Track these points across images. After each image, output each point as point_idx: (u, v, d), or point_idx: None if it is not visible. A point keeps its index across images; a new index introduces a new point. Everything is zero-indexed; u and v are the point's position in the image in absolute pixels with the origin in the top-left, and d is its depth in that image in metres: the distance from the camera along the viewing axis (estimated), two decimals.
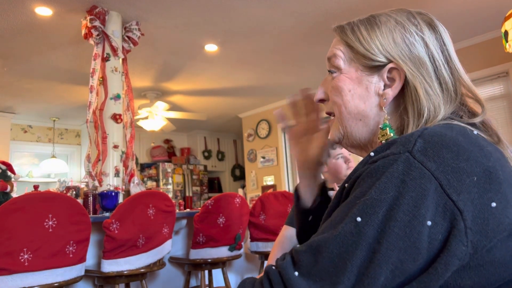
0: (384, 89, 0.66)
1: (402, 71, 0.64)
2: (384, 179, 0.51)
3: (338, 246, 0.50)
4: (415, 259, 0.48)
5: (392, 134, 0.63)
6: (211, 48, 4.22)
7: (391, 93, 0.65)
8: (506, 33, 2.97)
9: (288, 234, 2.10)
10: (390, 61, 0.65)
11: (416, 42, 0.65)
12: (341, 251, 0.50)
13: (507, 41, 2.99)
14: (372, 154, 0.56)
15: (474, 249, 0.48)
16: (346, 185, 0.58)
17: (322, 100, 0.75)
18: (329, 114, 0.75)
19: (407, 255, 0.48)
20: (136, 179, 3.29)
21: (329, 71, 0.72)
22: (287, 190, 6.11)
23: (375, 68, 0.66)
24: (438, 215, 0.48)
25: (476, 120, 0.62)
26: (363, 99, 0.67)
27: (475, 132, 0.58)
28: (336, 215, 0.55)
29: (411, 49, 0.65)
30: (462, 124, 0.60)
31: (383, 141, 0.63)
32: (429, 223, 0.48)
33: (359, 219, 0.50)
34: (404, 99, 0.65)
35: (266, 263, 3.11)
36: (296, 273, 0.52)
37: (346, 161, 2.05)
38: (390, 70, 0.66)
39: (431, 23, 0.67)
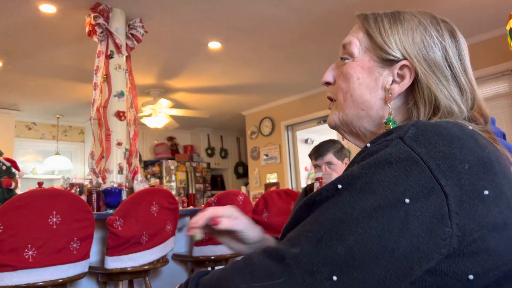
0: (391, 84, 0.67)
1: (414, 70, 0.65)
2: (371, 158, 0.53)
3: (319, 202, 0.55)
4: (385, 229, 0.48)
5: None
6: (214, 45, 4.21)
7: (397, 89, 0.66)
8: (511, 30, 2.95)
9: None
10: (404, 58, 0.66)
11: (435, 46, 0.66)
12: (322, 206, 0.54)
13: None
14: (368, 145, 0.58)
15: (462, 231, 0.49)
16: None
17: (328, 83, 0.75)
18: (331, 99, 0.75)
19: (377, 223, 0.49)
20: (139, 176, 3.30)
21: (341, 57, 0.72)
22: (290, 187, 6.11)
23: (388, 61, 0.67)
24: (422, 196, 0.49)
25: (478, 127, 0.63)
26: (370, 90, 0.68)
27: (471, 127, 0.59)
28: None
29: (428, 51, 0.65)
30: (459, 121, 0.61)
31: None
32: (407, 200, 0.49)
33: (339, 185, 0.53)
34: (414, 96, 0.66)
35: None
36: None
37: None
38: (401, 67, 0.66)
39: (453, 32, 0.68)
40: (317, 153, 2.08)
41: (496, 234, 0.51)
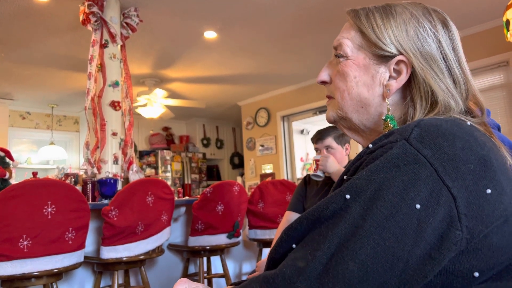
0: (388, 80, 0.66)
1: (410, 65, 0.65)
2: (377, 162, 0.52)
3: (326, 217, 0.52)
4: (398, 240, 0.47)
5: (393, 126, 0.64)
6: (210, 35, 4.18)
7: (395, 85, 0.66)
8: (507, 22, 2.95)
9: (291, 219, 2.19)
10: (400, 53, 0.65)
11: (429, 38, 0.65)
12: (329, 222, 0.51)
13: (508, 31, 2.97)
14: (370, 145, 0.57)
15: (471, 234, 0.49)
16: (344, 177, 0.58)
17: (324, 82, 0.74)
18: (330, 97, 0.75)
19: (390, 234, 0.47)
20: (135, 166, 3.29)
21: (336, 55, 0.71)
22: (285, 178, 6.13)
23: (383, 57, 0.67)
24: (432, 200, 0.48)
25: (475, 121, 0.63)
26: (367, 87, 0.67)
27: (469, 123, 0.59)
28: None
29: (423, 44, 0.65)
30: (457, 116, 0.62)
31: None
32: (418, 206, 0.48)
33: (347, 196, 0.51)
34: (411, 91, 0.66)
35: (264, 250, 3.13)
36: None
37: None
38: (397, 63, 0.66)
39: (445, 22, 0.68)
40: (318, 136, 2.15)
41: (498, 230, 0.51)
